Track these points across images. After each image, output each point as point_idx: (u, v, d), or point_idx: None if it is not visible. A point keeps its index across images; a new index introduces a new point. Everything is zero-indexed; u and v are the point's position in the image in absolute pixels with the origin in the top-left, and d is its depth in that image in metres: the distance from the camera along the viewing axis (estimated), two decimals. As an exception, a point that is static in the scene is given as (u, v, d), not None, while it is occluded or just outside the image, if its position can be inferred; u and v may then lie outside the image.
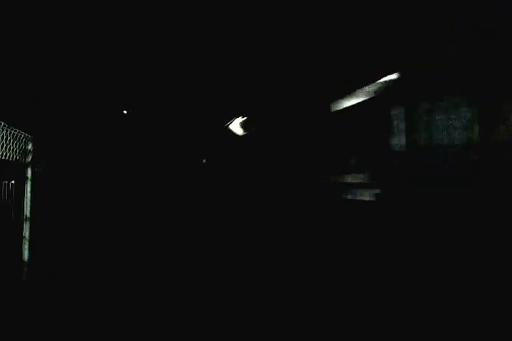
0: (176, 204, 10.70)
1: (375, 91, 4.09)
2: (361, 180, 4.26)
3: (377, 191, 3.93)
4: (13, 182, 4.42)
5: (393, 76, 3.77)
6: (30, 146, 4.50)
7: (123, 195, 9.70)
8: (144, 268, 4.96)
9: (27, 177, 4.47)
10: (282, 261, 5.56)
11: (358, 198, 4.33)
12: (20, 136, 4.26)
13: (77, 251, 5.85)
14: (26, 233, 4.32)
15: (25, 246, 4.31)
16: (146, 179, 10.59)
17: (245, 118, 8.69)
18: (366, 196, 4.12)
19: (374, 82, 4.09)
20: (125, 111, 10.24)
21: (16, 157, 4.23)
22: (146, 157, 10.76)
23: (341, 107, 4.91)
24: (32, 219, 4.48)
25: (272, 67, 6.42)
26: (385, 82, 3.93)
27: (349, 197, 4.58)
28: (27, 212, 4.39)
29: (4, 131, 3.84)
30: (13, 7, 4.58)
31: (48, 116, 5.42)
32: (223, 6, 4.80)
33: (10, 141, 4.04)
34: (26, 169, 4.48)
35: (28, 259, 4.32)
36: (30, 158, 4.52)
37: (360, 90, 4.47)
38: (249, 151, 9.08)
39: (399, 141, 3.60)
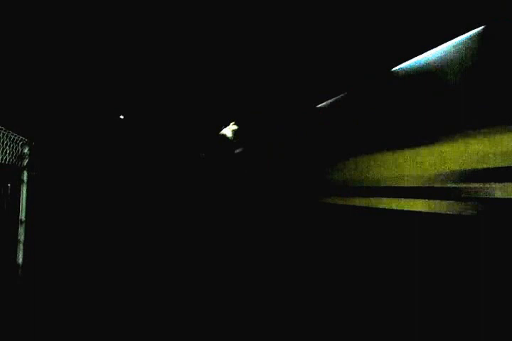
0: (169, 209, 10.68)
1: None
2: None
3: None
4: (9, 185, 4.42)
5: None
6: (26, 150, 4.52)
7: (120, 198, 9.68)
8: (142, 268, 4.94)
9: (23, 181, 4.47)
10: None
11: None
12: (17, 139, 4.28)
13: (75, 254, 5.81)
14: (21, 236, 4.31)
15: (20, 250, 4.29)
16: (142, 183, 10.58)
17: (237, 125, 8.77)
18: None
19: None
20: (122, 116, 10.29)
21: (13, 160, 4.24)
22: (141, 161, 10.77)
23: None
24: (27, 223, 4.47)
25: (262, 78, 6.51)
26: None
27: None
28: (22, 215, 4.38)
29: (1, 134, 3.86)
30: (13, 11, 4.64)
31: (45, 119, 5.44)
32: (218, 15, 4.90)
33: (6, 144, 4.05)
34: (22, 172, 4.49)
35: (23, 263, 4.30)
36: (26, 161, 4.53)
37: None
38: (243, 157, 9.12)
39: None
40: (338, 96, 4.91)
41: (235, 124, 9.01)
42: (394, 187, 3.47)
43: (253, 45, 5.60)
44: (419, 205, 3.07)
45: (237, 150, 9.72)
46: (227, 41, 5.59)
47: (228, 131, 9.68)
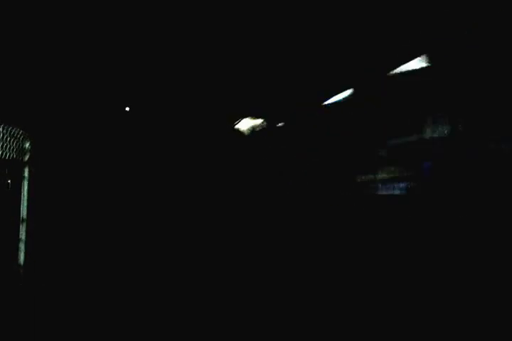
0: (177, 209, 10.56)
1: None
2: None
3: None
4: (9, 181, 4.26)
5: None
6: (27, 144, 4.33)
7: (126, 195, 9.56)
8: (144, 269, 4.81)
9: (24, 177, 4.30)
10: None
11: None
12: (18, 133, 4.09)
13: (78, 253, 5.70)
14: (22, 235, 4.16)
15: (22, 249, 4.14)
16: (149, 180, 10.44)
17: (253, 118, 8.51)
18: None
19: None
20: (127, 108, 10.07)
21: (13, 155, 4.06)
22: (149, 156, 10.60)
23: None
24: (29, 221, 4.32)
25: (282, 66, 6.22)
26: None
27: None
28: (23, 213, 4.22)
29: (1, 129, 3.67)
30: (11, 3, 4.40)
31: (47, 112, 5.25)
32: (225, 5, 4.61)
33: (7, 139, 3.87)
34: (23, 168, 4.31)
35: (24, 262, 4.16)
36: (27, 156, 4.35)
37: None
38: (260, 152, 8.88)
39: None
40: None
41: (246, 121, 8.75)
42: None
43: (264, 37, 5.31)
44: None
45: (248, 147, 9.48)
46: (234, 35, 5.30)
47: (239, 126, 9.43)
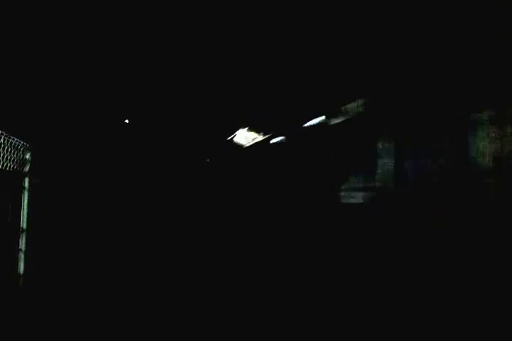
0: (175, 220, 10.55)
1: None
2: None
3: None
4: (10, 192, 4.31)
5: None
6: (28, 156, 4.41)
7: (124, 205, 9.57)
8: (144, 279, 4.80)
9: (24, 188, 4.36)
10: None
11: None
12: (19, 145, 4.18)
13: (77, 263, 5.69)
14: (22, 245, 4.18)
15: (21, 259, 4.16)
16: (146, 193, 10.46)
17: (249, 130, 8.64)
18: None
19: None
20: (126, 121, 10.21)
21: (14, 166, 4.13)
22: (146, 169, 10.66)
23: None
24: (28, 231, 4.35)
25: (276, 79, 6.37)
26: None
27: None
28: (23, 223, 4.26)
29: (3, 140, 3.75)
30: (12, 18, 4.58)
31: (48, 124, 5.36)
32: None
33: (8, 150, 3.94)
34: (24, 179, 4.37)
35: (24, 272, 4.17)
36: (28, 167, 4.42)
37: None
38: (255, 163, 8.96)
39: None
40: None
41: (241, 132, 8.88)
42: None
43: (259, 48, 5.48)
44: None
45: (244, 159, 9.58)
46: (233, 46, 5.48)
47: (239, 136, 9.55)
